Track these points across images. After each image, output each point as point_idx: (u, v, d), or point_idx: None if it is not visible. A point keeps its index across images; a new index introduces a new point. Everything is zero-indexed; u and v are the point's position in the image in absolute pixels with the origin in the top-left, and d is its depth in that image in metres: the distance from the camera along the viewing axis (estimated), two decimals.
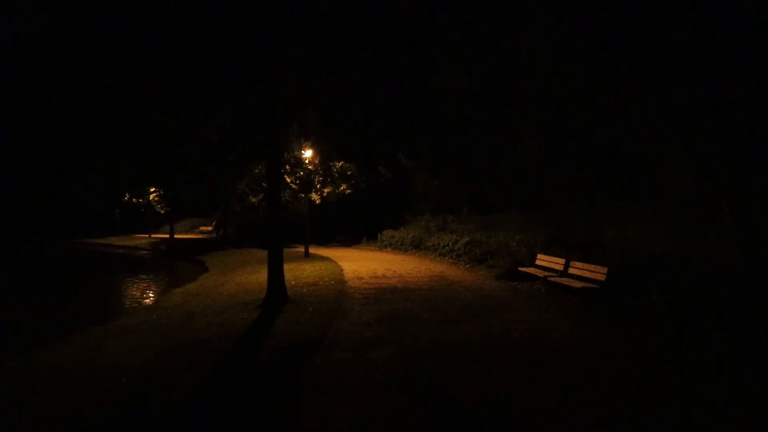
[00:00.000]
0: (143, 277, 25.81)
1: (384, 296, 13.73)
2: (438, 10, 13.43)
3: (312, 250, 27.55)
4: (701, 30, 10.08)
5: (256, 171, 22.03)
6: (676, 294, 10.32)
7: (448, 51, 16.50)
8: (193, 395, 6.75)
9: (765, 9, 9.54)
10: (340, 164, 24.93)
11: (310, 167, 23.50)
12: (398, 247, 29.84)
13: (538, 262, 16.14)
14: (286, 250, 16.60)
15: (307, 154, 22.54)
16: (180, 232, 52.85)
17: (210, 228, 54.58)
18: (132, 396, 6.78)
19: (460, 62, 18.51)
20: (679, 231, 14.82)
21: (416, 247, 27.92)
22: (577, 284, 12.76)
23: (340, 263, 22.18)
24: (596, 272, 12.63)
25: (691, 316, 9.43)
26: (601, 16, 11.45)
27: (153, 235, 54.67)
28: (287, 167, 22.00)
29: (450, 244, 23.95)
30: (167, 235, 49.22)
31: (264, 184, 18.47)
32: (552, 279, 13.97)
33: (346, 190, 25.92)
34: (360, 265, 21.62)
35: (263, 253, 18.41)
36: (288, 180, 22.76)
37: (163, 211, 49.14)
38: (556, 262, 14.89)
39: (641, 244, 15.15)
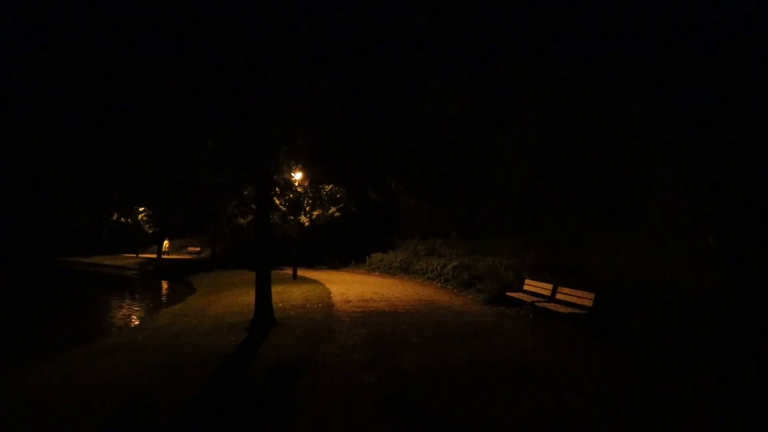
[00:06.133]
0: (129, 297, 25.54)
1: (372, 320, 13.69)
2: (430, 40, 13.62)
3: (300, 272, 27.44)
4: (690, 63, 10.30)
5: (246, 193, 22.05)
6: (663, 320, 10.38)
7: (440, 79, 16.71)
8: (178, 418, 6.67)
9: (753, 45, 9.79)
10: (329, 187, 25.01)
11: (299, 190, 23.54)
12: (386, 270, 29.77)
13: (525, 287, 16.17)
14: (274, 273, 16.56)
15: (297, 176, 22.60)
16: (167, 253, 52.42)
17: (198, 249, 54.16)
18: (117, 418, 6.70)
19: (451, 90, 18.76)
20: (666, 258, 14.93)
21: (404, 270, 27.86)
22: (565, 310, 12.80)
23: (328, 286, 22.10)
24: (584, 298, 12.68)
25: (678, 342, 9.49)
26: (590, 47, 11.68)
27: (140, 255, 54.21)
28: (277, 189, 22.06)
29: (438, 268, 23.94)
30: (155, 255, 48.85)
31: (253, 206, 18.46)
32: (540, 304, 14.00)
33: (335, 213, 25.93)
34: (348, 288, 21.55)
35: (251, 275, 18.32)
36: (277, 202, 22.78)
37: (151, 231, 48.80)
38: (544, 288, 14.94)
39: (629, 271, 15.24)
